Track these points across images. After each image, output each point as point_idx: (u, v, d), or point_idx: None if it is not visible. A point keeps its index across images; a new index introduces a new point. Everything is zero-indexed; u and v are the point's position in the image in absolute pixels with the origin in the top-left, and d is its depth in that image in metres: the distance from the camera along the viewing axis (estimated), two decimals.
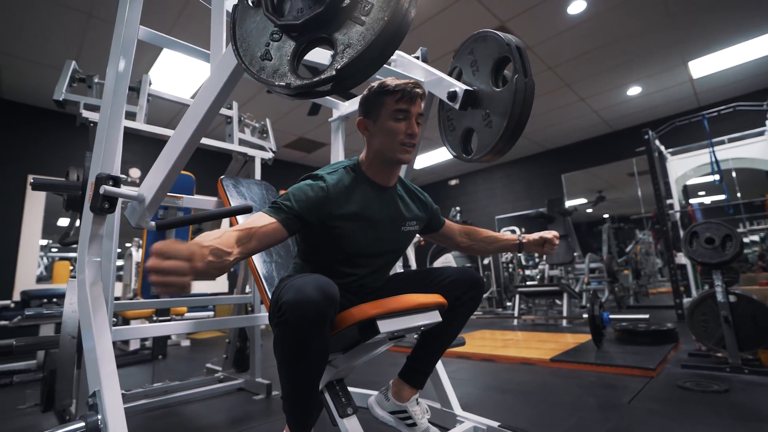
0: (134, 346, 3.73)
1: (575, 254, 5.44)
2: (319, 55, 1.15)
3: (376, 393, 1.30)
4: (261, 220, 0.92)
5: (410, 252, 6.13)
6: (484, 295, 6.98)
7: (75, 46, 3.50)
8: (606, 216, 7.17)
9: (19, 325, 3.14)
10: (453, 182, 8.41)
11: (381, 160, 1.12)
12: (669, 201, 4.81)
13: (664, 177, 4.85)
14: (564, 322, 4.28)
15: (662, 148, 4.80)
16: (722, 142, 5.03)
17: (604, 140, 6.44)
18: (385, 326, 0.92)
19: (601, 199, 7.23)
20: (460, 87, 1.22)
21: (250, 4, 0.85)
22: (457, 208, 7.88)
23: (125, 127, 1.85)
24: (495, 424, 1.34)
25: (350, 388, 1.82)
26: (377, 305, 0.93)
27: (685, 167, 5.19)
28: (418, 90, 1.09)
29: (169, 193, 1.45)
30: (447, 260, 7.64)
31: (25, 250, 4.26)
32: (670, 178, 4.97)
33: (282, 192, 1.13)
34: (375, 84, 1.12)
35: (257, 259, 1.45)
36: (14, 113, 4.38)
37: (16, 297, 3.96)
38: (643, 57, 4.18)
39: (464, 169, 7.89)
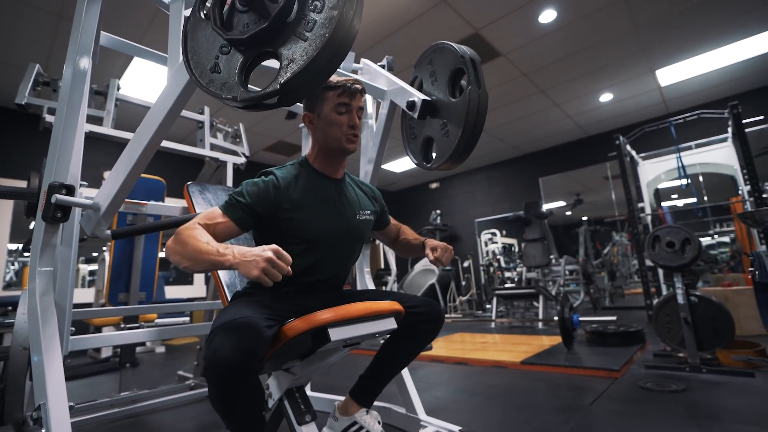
0: (107, 353, 3.65)
1: (551, 257, 5.57)
2: (274, 63, 1.17)
3: (328, 421, 1.30)
4: (216, 217, 1.00)
5: (391, 257, 6.16)
6: (464, 298, 7.05)
7: (45, 48, 3.42)
8: (584, 218, 7.34)
9: None
10: (433, 186, 8.48)
11: (326, 152, 1.18)
12: (641, 204, 4.95)
13: (636, 181, 4.99)
14: (540, 324, 4.35)
15: (633, 153, 4.94)
16: (690, 148, 5.22)
17: (580, 144, 6.60)
18: (336, 334, 0.93)
19: (578, 202, 7.40)
20: (418, 97, 1.25)
21: (202, 17, 0.86)
22: (438, 212, 7.96)
23: (92, 132, 1.83)
24: (457, 428, 1.36)
25: (318, 394, 1.83)
26: (329, 312, 0.94)
27: (656, 171, 5.35)
28: (357, 86, 1.16)
29: (133, 200, 1.43)
30: (427, 263, 7.70)
31: None
32: (641, 181, 5.12)
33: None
34: None
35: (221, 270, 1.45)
36: None
37: None
38: (613, 65, 4.31)
39: (445, 172, 7.97)
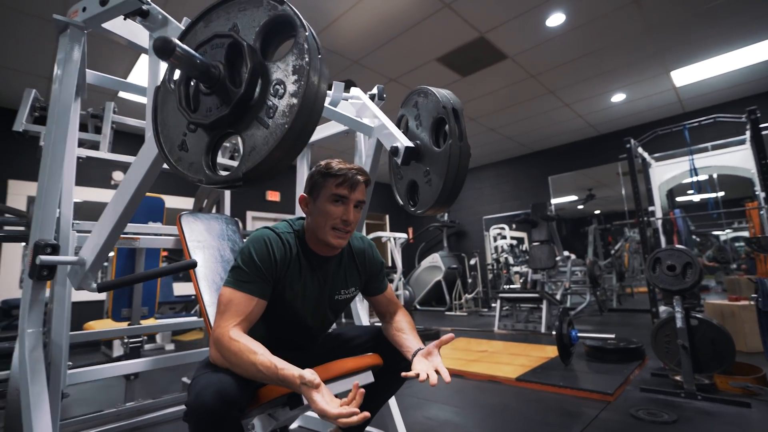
0: (118, 352, 3.78)
1: (557, 258, 5.50)
2: None
3: None
4: (243, 307, 0.99)
5: (397, 255, 6.18)
6: (470, 296, 7.05)
7: (50, 52, 3.46)
8: (596, 212, 7.22)
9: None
10: None
11: (316, 238, 1.13)
12: (651, 208, 4.85)
13: (647, 183, 4.88)
14: (542, 328, 4.35)
15: (645, 154, 4.82)
16: (706, 149, 5.06)
17: (591, 143, 6.45)
18: None
19: (590, 197, 7.28)
20: (401, 143, 1.24)
21: (172, 88, 0.86)
22: None
23: (88, 157, 1.86)
24: None
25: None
26: None
27: (669, 173, 5.21)
28: (360, 177, 1.10)
29: (126, 235, 1.46)
30: (434, 259, 7.71)
31: (8, 255, 4.27)
32: (653, 183, 5.00)
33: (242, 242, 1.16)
34: (323, 163, 1.13)
35: (204, 288, 1.46)
36: None
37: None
38: (626, 66, 4.16)
39: None
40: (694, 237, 5.82)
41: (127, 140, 4.30)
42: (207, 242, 1.62)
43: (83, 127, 2.04)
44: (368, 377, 1.10)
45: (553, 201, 7.04)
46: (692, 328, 2.25)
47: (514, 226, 7.71)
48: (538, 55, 3.85)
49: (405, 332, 1.19)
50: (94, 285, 1.07)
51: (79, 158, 1.84)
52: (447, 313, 6.89)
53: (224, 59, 0.77)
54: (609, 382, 2.31)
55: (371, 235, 5.63)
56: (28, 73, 3.71)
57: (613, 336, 2.84)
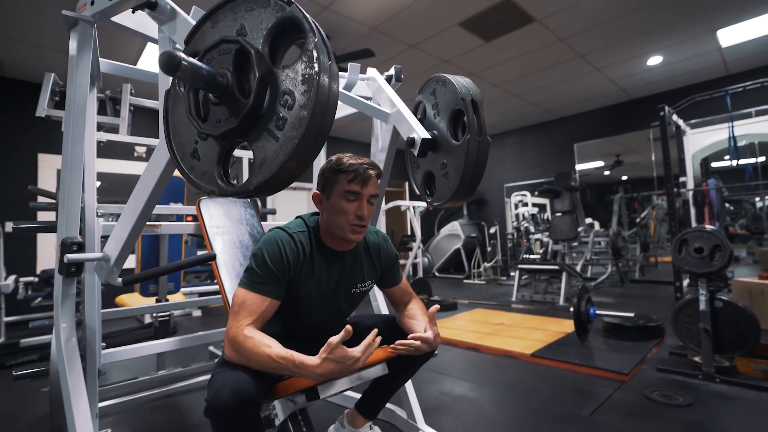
0: (149, 319, 4.01)
1: (580, 229, 5.39)
2: None
3: (334, 424, 1.42)
4: (256, 307, 1.03)
5: (416, 223, 6.19)
6: (489, 264, 7.07)
7: None
8: (624, 178, 6.96)
9: (41, 305, 3.40)
10: None
11: (333, 234, 1.15)
12: (682, 179, 4.63)
13: (680, 152, 4.64)
14: (561, 300, 4.35)
15: (680, 122, 4.54)
16: (749, 115, 4.72)
17: (621, 109, 6.12)
18: (325, 391, 1.00)
19: (618, 163, 6.99)
20: (418, 134, 1.20)
21: (182, 92, 0.85)
22: None
23: (109, 141, 1.89)
24: None
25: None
26: None
27: (705, 141, 4.93)
28: (371, 171, 1.10)
29: (149, 223, 1.51)
30: (453, 228, 7.69)
31: None
32: (686, 152, 4.75)
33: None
34: (333, 158, 1.14)
35: (224, 275, 1.52)
36: (17, 91, 4.42)
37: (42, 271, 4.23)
38: (666, 26, 3.85)
39: None
40: (727, 205, 5.56)
41: (148, 116, 4.34)
42: (226, 227, 1.65)
43: (102, 109, 2.06)
44: (382, 369, 1.13)
45: (578, 167, 6.80)
46: (716, 310, 2.20)
47: (536, 192, 7.56)
48: (569, 17, 3.59)
49: (416, 318, 1.25)
50: (119, 279, 1.11)
51: (99, 143, 1.88)
52: (465, 281, 6.96)
53: (232, 66, 0.74)
54: (625, 360, 2.32)
55: (390, 204, 5.62)
56: (52, 48, 3.73)
57: (632, 315, 2.80)
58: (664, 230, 6.63)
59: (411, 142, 1.22)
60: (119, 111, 1.97)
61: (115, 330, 3.55)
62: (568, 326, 3.14)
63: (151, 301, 2.56)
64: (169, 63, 0.64)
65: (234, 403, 0.86)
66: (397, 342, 1.06)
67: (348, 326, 0.91)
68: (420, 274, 6.08)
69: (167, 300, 2.36)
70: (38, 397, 2.13)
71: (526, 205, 7.64)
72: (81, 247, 1.07)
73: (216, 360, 1.15)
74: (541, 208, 7.69)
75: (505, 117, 6.61)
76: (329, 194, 1.12)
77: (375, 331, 0.95)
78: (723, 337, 2.22)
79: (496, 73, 4.76)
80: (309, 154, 0.72)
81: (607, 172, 7.19)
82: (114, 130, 2.01)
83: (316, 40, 0.69)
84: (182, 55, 0.66)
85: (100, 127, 2.06)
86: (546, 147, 7.01)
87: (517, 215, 7.68)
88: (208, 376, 2.28)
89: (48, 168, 4.48)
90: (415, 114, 1.35)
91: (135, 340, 3.40)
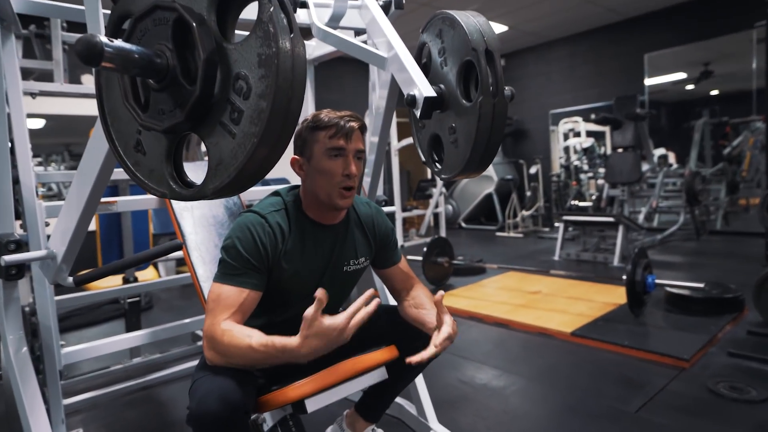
0: None
1: (644, 169, 5.30)
2: None
3: (332, 425, 1.54)
4: (234, 300, 1.09)
5: None
6: (528, 213, 7.09)
7: None
8: (713, 93, 6.69)
9: None
10: None
11: (318, 204, 1.21)
12: None
13: None
14: (615, 260, 4.40)
15: None
16: None
17: (713, 4, 5.73)
18: (314, 404, 1.09)
19: (706, 74, 6.70)
20: (420, 91, 1.18)
21: None
22: None
23: (41, 92, 1.92)
24: None
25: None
26: (307, 384, 1.08)
27: None
28: (353, 123, 1.14)
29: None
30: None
31: None
32: None
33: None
34: (309, 116, 1.17)
35: (196, 259, 1.58)
36: None
37: None
38: None
39: (512, 45, 7.37)
40: None
41: None
42: (197, 202, 1.70)
43: (28, 51, 2.04)
44: (381, 374, 1.21)
45: (648, 81, 6.53)
46: None
47: (593, 116, 7.32)
48: None
49: (425, 306, 1.31)
50: (70, 279, 1.18)
51: (31, 95, 1.89)
52: (498, 233, 7.04)
53: (171, 42, 0.74)
54: (687, 342, 2.39)
55: (404, 141, 5.60)
56: None
57: (702, 285, 2.82)
58: (763, 165, 6.31)
59: (411, 101, 1.20)
60: (50, 52, 1.96)
61: (80, 307, 3.77)
62: (620, 296, 3.20)
63: (117, 280, 2.70)
64: (88, 53, 0.64)
65: (222, 410, 0.95)
66: (413, 359, 1.10)
67: (320, 291, 0.97)
68: (442, 225, 6.17)
69: (135, 279, 2.48)
70: None
71: (578, 135, 7.48)
72: (20, 246, 1.13)
73: (197, 363, 1.25)
74: (599, 136, 7.51)
75: (551, 21, 6.29)
76: (309, 156, 1.17)
77: (370, 291, 1.02)
78: None
79: None
80: (273, 153, 0.73)
81: (689, 86, 6.91)
82: (47, 76, 2.01)
83: (272, 9, 0.68)
84: (104, 39, 0.66)
85: (29, 73, 2.06)
86: (605, 60, 6.71)
87: (566, 149, 7.56)
88: (189, 364, 2.46)
89: None
90: (419, 58, 1.32)
91: (104, 319, 3.63)
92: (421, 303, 1.32)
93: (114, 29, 0.82)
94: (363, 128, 1.19)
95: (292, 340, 0.98)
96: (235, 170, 0.73)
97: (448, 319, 1.16)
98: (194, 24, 0.71)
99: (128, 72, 0.72)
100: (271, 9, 0.68)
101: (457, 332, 1.17)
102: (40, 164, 5.71)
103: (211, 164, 0.77)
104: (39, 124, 5.41)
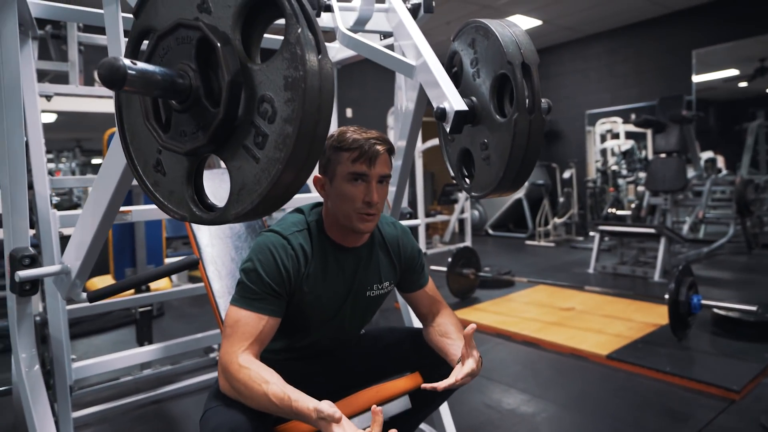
0: None
1: (690, 176, 5.18)
2: None
3: None
4: (252, 328, 1.09)
5: None
6: (561, 220, 7.01)
7: None
8: None
9: None
10: None
11: (340, 225, 1.21)
12: None
13: None
14: (656, 275, 4.32)
15: None
16: None
17: None
18: None
19: (762, 71, 6.52)
20: (450, 105, 1.18)
21: None
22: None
23: (57, 94, 1.97)
24: None
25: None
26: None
27: None
28: (379, 147, 1.13)
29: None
30: None
31: None
32: None
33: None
34: (335, 133, 1.17)
35: (212, 273, 1.61)
36: None
37: None
38: None
39: (547, 41, 7.30)
40: None
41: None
42: None
43: (43, 52, 2.10)
44: (405, 404, 1.22)
45: (697, 78, 6.38)
46: None
47: (632, 117, 7.21)
48: None
49: (450, 336, 1.29)
50: (84, 295, 1.22)
51: (47, 97, 1.95)
52: (528, 242, 6.99)
53: (195, 61, 0.75)
54: (738, 371, 2.33)
55: (428, 143, 5.61)
56: None
57: (755, 308, 2.72)
58: None
59: (441, 114, 1.20)
60: (66, 53, 2.01)
61: (89, 314, 3.87)
62: (661, 315, 3.13)
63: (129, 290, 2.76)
64: (111, 78, 0.66)
65: None
66: (427, 385, 1.11)
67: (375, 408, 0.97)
68: (468, 232, 6.15)
69: (148, 288, 2.53)
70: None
71: (616, 136, 7.36)
72: (34, 261, 1.17)
73: (212, 386, 1.28)
74: (639, 138, 7.37)
75: (588, 15, 6.22)
76: (332, 177, 1.17)
77: (379, 411, 0.98)
78: None
79: None
80: (298, 179, 0.74)
81: (743, 84, 6.75)
82: (63, 78, 2.07)
83: (299, 30, 0.69)
84: (127, 62, 0.68)
85: (45, 75, 2.12)
86: (648, 57, 6.60)
87: (603, 151, 7.44)
88: (202, 377, 2.51)
89: None
90: (450, 68, 1.32)
91: (114, 326, 3.72)
92: (447, 332, 1.31)
93: (135, 46, 0.84)
94: (390, 151, 1.18)
95: (308, 408, 0.95)
96: (259, 197, 0.74)
97: (475, 354, 1.14)
98: (219, 44, 0.73)
99: (150, 94, 0.74)
100: (299, 30, 0.69)
101: (480, 369, 1.15)
102: (50, 161, 5.87)
103: (233, 189, 0.78)
104: (51, 118, 5.57)
